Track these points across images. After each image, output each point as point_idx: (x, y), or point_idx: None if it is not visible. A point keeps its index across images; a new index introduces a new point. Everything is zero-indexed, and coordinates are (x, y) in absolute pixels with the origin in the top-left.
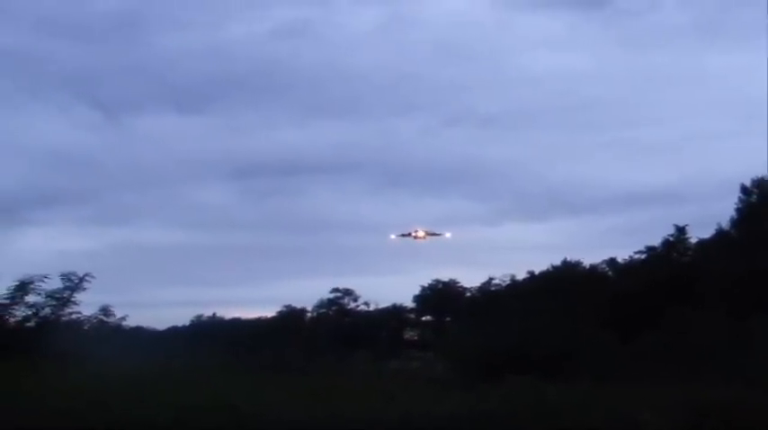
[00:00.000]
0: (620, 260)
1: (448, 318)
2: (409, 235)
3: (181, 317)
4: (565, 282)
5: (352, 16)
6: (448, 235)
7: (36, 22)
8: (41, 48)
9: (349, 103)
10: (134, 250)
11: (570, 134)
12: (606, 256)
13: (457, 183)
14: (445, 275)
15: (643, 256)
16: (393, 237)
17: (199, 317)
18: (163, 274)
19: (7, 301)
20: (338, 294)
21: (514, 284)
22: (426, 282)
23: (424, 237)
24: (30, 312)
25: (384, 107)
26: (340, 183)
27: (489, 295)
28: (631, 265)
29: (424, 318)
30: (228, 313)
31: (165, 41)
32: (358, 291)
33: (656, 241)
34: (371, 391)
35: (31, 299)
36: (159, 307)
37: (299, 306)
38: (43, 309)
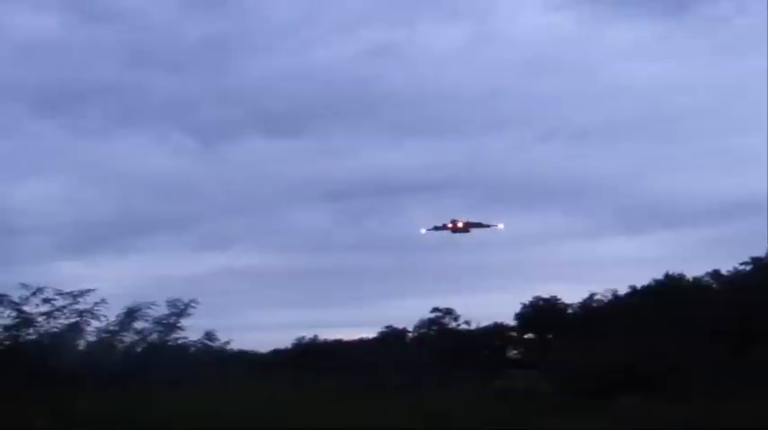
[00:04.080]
0: (723, 271)
1: (550, 336)
2: (444, 227)
3: (282, 340)
4: (669, 295)
5: (438, 35)
6: (500, 226)
7: (130, 55)
8: (136, 78)
9: (441, 122)
10: (234, 274)
11: (666, 144)
12: (708, 268)
13: (552, 197)
14: (545, 292)
15: (748, 267)
16: (423, 231)
17: (300, 339)
18: (263, 298)
19: (116, 328)
20: (438, 314)
21: (616, 299)
22: (527, 299)
23: (465, 229)
24: (137, 338)
25: (476, 124)
26: (435, 201)
27: (591, 311)
28: (737, 277)
29: (526, 336)
30: (330, 335)
31: (255, 67)
32: (458, 310)
33: (759, 251)
34: (477, 410)
35: (138, 325)
36: (261, 330)
37: (399, 326)
38: (150, 334)
